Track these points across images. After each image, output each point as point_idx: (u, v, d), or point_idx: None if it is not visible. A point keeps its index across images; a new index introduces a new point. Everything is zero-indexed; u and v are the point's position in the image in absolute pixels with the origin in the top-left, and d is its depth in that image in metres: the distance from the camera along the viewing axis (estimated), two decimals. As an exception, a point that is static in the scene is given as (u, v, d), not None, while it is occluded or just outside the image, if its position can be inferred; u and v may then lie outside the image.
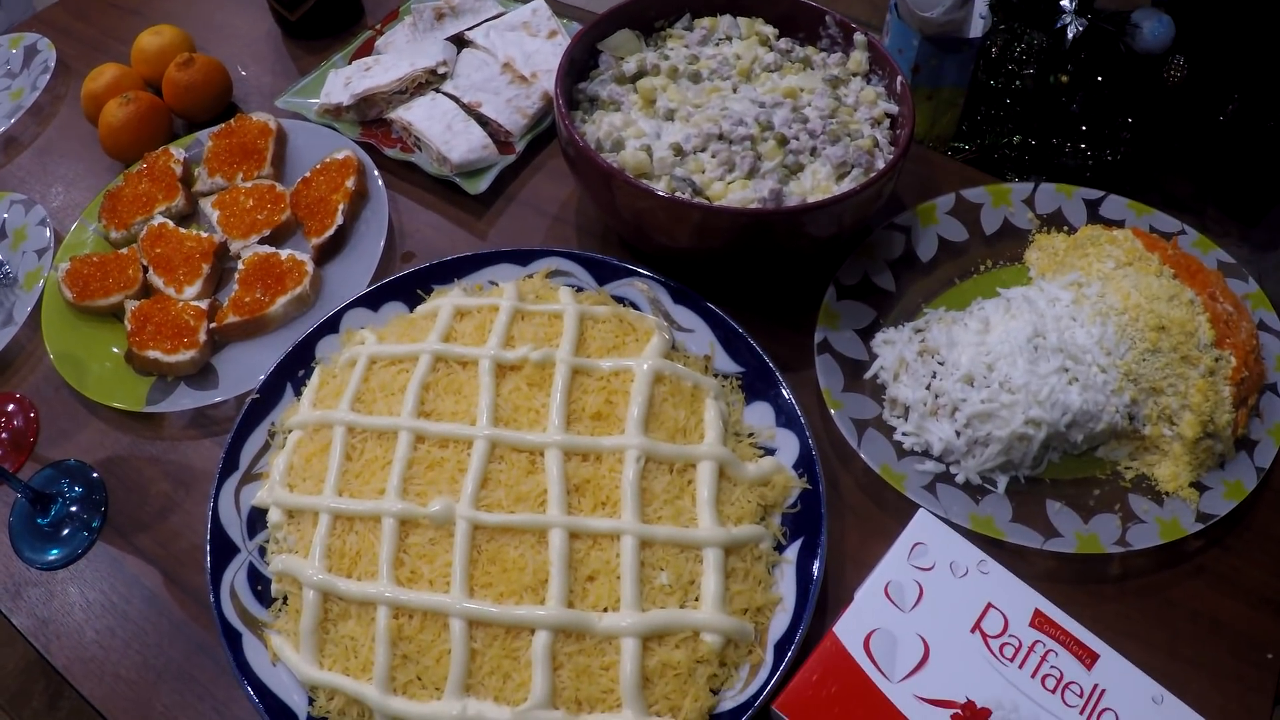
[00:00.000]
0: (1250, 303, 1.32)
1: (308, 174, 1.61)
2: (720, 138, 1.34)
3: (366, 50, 1.84)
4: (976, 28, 1.89)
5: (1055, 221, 1.45)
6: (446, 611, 1.07)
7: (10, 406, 1.45)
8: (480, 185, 1.59)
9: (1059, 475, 1.23)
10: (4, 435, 1.42)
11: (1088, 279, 1.31)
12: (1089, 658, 1.02)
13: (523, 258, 1.41)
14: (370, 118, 1.72)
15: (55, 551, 1.31)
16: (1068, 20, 2.26)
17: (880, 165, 1.33)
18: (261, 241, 1.55)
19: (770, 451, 1.23)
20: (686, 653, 1.05)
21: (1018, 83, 2.37)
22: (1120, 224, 1.42)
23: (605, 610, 1.07)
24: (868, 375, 1.31)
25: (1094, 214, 1.45)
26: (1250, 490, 1.19)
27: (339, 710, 1.08)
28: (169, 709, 1.17)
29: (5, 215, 1.67)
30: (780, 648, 1.08)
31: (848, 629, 1.04)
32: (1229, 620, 1.15)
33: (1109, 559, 1.19)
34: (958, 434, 1.21)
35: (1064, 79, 2.32)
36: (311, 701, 1.10)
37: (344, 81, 1.72)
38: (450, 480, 1.15)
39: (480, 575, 1.10)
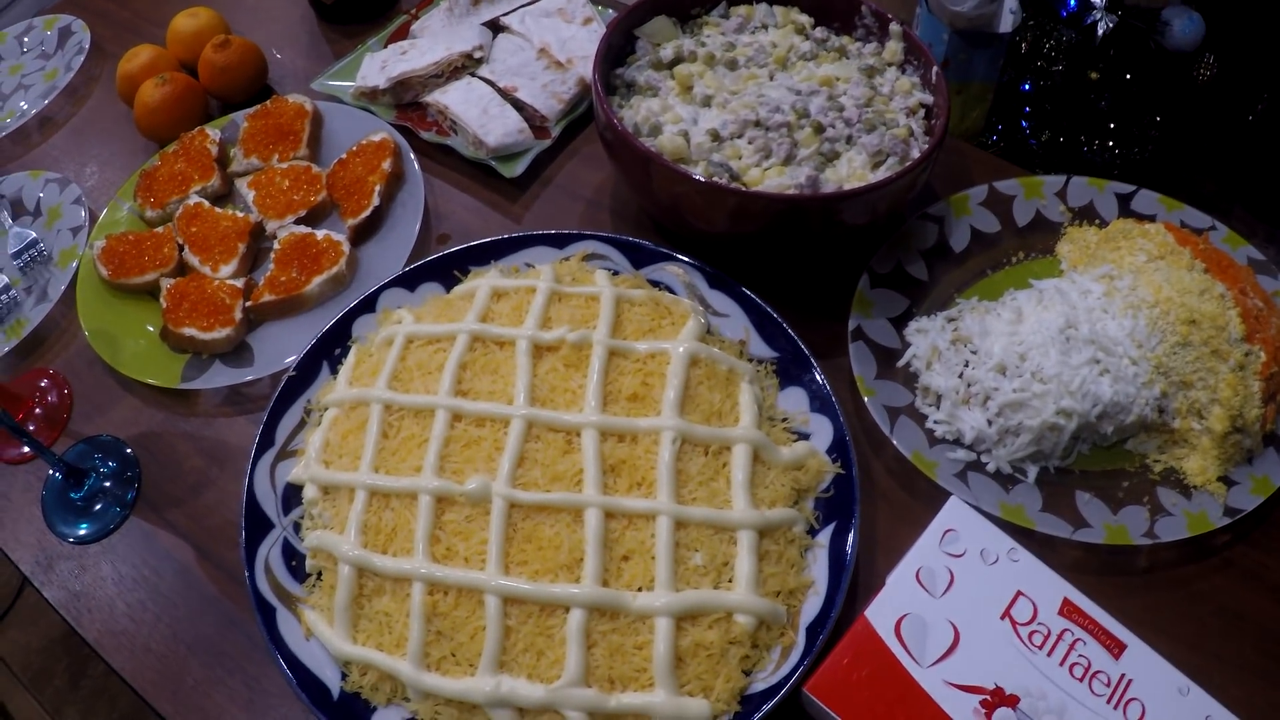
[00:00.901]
0: (1280, 299, 1.32)
1: (344, 155, 1.62)
2: (757, 124, 1.34)
3: (402, 34, 1.85)
4: (1006, 23, 1.89)
5: (1087, 215, 1.45)
6: (481, 588, 1.07)
7: (44, 382, 1.47)
8: (516, 169, 1.59)
9: (1088, 466, 1.23)
10: (38, 410, 1.44)
11: (1119, 272, 1.31)
12: (1117, 648, 1.02)
13: (559, 241, 1.41)
14: (406, 101, 1.72)
15: (87, 526, 1.32)
16: (1098, 16, 2.25)
17: (915, 154, 1.33)
18: (297, 222, 1.55)
19: (804, 436, 1.23)
20: (719, 633, 1.06)
21: (1046, 79, 2.37)
22: (1151, 219, 1.42)
23: (639, 590, 1.08)
24: (900, 363, 1.31)
25: (1125, 208, 1.45)
26: (1278, 486, 1.19)
27: (372, 685, 1.09)
28: (199, 682, 1.18)
29: (40, 194, 1.68)
30: (812, 631, 1.08)
31: (879, 613, 1.05)
32: (1255, 615, 1.15)
33: (1136, 551, 1.19)
34: (989, 423, 1.21)
35: (1093, 76, 2.32)
36: (344, 676, 1.11)
37: (380, 65, 1.72)
38: (487, 458, 1.16)
39: (515, 553, 1.10)
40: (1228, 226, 1.40)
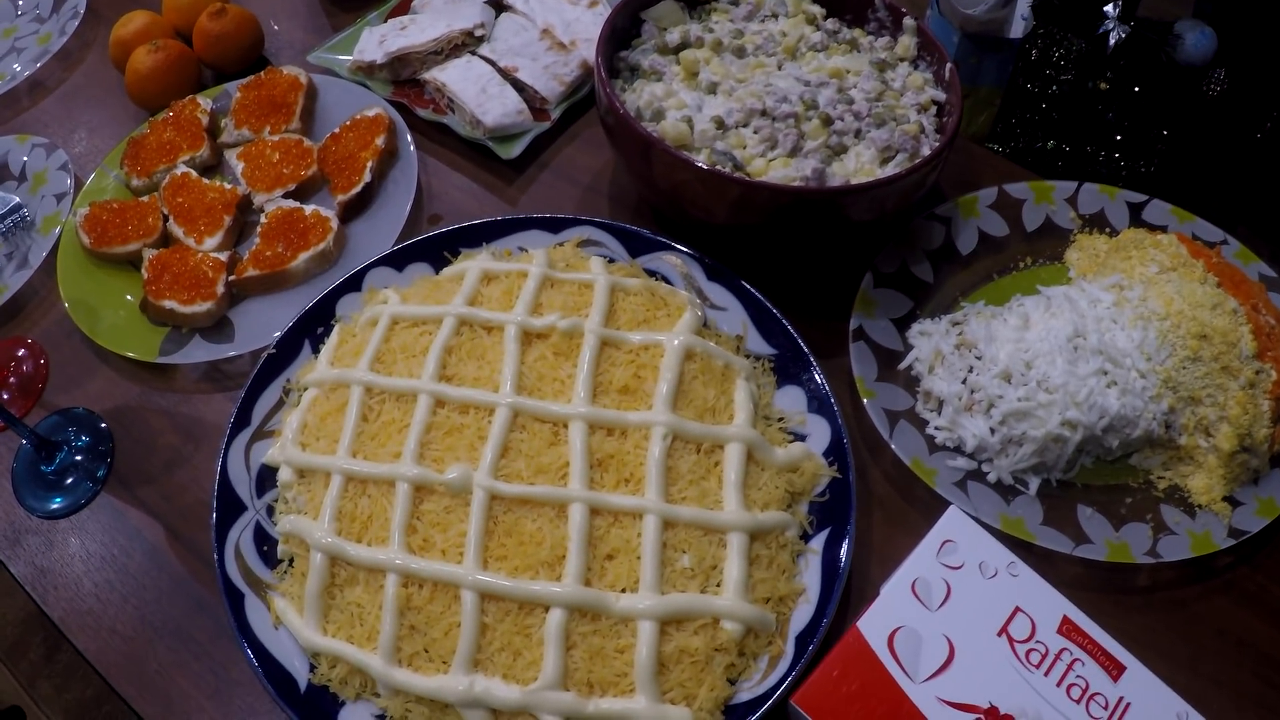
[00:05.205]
0: (1293, 317, 1.29)
1: (337, 130, 1.59)
2: (763, 114, 1.31)
3: (403, 9, 1.81)
4: (1017, 28, 1.86)
5: (1097, 223, 1.42)
6: (458, 583, 1.04)
7: (20, 351, 1.44)
8: (513, 150, 1.56)
9: (1091, 480, 1.21)
10: (12, 380, 1.41)
11: (1130, 282, 1.28)
12: (1115, 669, 0.99)
13: (554, 225, 1.39)
14: (403, 77, 1.69)
15: (58, 500, 1.29)
16: (1110, 26, 2.23)
17: (925, 152, 1.30)
18: (286, 196, 1.52)
19: (800, 437, 1.20)
20: (705, 640, 1.03)
21: (1055, 87, 2.34)
22: (1163, 229, 1.39)
23: (623, 591, 1.05)
24: (902, 366, 1.28)
25: (1136, 217, 1.42)
26: (1283, 509, 1.17)
27: (340, 679, 1.06)
28: (164, 667, 1.15)
29: (26, 158, 1.65)
30: (802, 640, 1.06)
31: (872, 625, 1.02)
32: (1254, 640, 1.13)
33: (1137, 569, 1.17)
34: (992, 431, 1.18)
35: (1103, 86, 2.29)
36: (313, 668, 1.08)
37: (378, 39, 1.69)
38: (469, 447, 1.12)
39: (495, 547, 1.07)
40: (1239, 241, 1.37)
